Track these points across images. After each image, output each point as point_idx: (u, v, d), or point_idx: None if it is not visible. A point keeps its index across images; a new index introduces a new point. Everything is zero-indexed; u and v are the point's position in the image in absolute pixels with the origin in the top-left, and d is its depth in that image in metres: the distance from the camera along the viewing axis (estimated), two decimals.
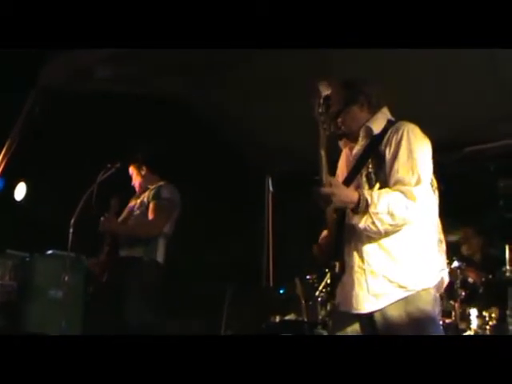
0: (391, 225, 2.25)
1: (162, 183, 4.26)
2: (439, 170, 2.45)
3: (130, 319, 3.86)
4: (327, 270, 4.12)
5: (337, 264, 2.38)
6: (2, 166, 4.23)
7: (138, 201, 4.23)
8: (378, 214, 2.21)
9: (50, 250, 5.46)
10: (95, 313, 4.07)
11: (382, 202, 2.21)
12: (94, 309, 4.03)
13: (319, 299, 4.38)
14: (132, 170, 4.39)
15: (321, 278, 4.40)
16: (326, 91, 2.25)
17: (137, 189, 4.38)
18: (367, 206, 2.21)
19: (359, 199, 2.21)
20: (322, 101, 2.24)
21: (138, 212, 4.17)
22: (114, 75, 4.19)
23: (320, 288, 4.38)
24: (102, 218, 4.10)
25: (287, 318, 4.66)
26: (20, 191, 5.61)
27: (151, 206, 4.11)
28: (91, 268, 4.18)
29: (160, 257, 4.12)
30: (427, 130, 2.42)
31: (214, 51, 3.10)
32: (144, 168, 4.34)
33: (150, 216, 4.09)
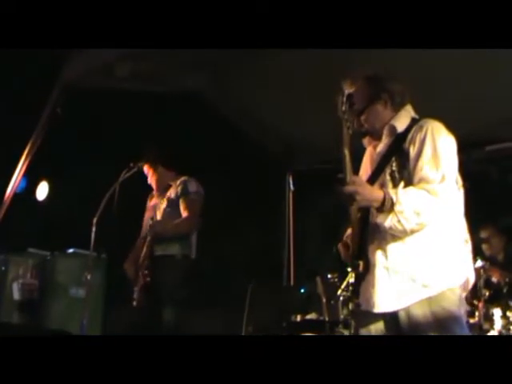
0: (417, 223, 2.22)
1: (185, 178, 4.26)
2: (460, 169, 2.42)
3: (168, 318, 3.89)
4: (350, 269, 4.13)
5: (360, 263, 2.37)
6: (24, 166, 4.25)
7: (165, 199, 4.23)
8: (403, 212, 2.19)
9: (71, 248, 5.52)
10: (130, 313, 4.06)
11: (408, 201, 2.19)
12: (129, 309, 4.02)
13: (341, 298, 4.34)
14: (147, 170, 4.37)
15: (342, 277, 4.35)
16: (349, 89, 2.24)
17: (154, 186, 4.37)
18: (392, 204, 2.19)
19: (384, 198, 2.19)
20: (345, 99, 2.23)
21: (168, 209, 4.17)
22: (134, 73, 4.19)
23: (342, 287, 4.35)
24: (150, 222, 4.10)
25: (308, 317, 4.64)
26: (42, 191, 5.68)
27: (183, 202, 4.12)
28: (127, 270, 4.15)
29: (193, 252, 4.14)
30: (449, 129, 2.39)
31: (224, 50, 3.09)
32: (159, 166, 4.33)
33: (185, 213, 4.10)
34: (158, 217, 4.18)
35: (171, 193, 4.22)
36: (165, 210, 4.18)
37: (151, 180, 4.38)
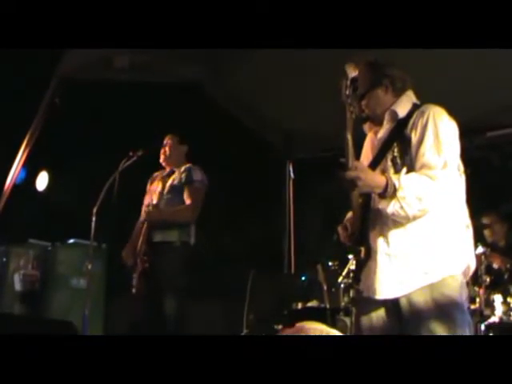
0: (419, 209, 2.21)
1: (189, 165, 4.25)
2: (462, 155, 2.41)
3: (169, 305, 3.89)
4: (350, 257, 4.14)
5: (362, 249, 2.36)
6: (23, 157, 4.25)
7: (167, 184, 4.20)
8: (405, 198, 2.18)
9: (71, 239, 5.52)
10: (131, 304, 4.06)
11: (410, 187, 2.18)
12: (130, 300, 4.03)
13: (341, 286, 4.36)
14: (169, 140, 4.32)
15: (343, 265, 4.39)
16: (353, 73, 2.21)
17: (162, 159, 4.32)
18: (395, 190, 2.17)
19: (387, 184, 2.18)
20: (349, 83, 2.21)
21: (169, 196, 4.15)
22: (133, 64, 4.18)
23: (343, 274, 4.37)
24: (145, 208, 4.07)
25: (309, 304, 4.65)
26: (42, 181, 5.68)
27: (187, 189, 4.11)
28: (125, 258, 4.14)
29: (192, 239, 4.13)
30: (450, 115, 2.38)
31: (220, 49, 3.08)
32: (182, 146, 4.32)
33: (188, 200, 4.09)
34: (156, 201, 4.15)
35: (174, 179, 4.20)
36: (166, 195, 4.16)
37: (163, 152, 4.32)
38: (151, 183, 4.39)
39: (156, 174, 4.41)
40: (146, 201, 4.28)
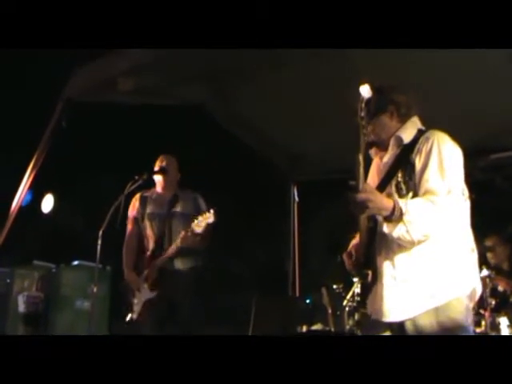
0: (423, 234, 2.23)
1: (194, 194, 4.30)
2: (466, 180, 2.42)
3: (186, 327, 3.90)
4: (355, 280, 4.14)
5: (369, 272, 2.37)
6: (29, 179, 4.27)
7: (175, 211, 4.20)
8: (411, 222, 2.18)
9: (76, 261, 5.52)
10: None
11: (416, 211, 2.19)
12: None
13: (346, 309, 4.35)
14: (170, 163, 4.33)
15: (348, 288, 4.38)
16: (367, 94, 2.21)
17: (161, 183, 4.30)
18: (401, 214, 2.18)
19: (394, 207, 2.18)
20: (363, 105, 2.21)
21: (177, 223, 4.17)
22: (137, 87, 4.21)
23: (347, 297, 4.36)
24: (183, 233, 4.04)
25: (314, 327, 4.64)
26: (47, 203, 5.70)
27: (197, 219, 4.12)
28: (131, 282, 4.16)
29: (200, 265, 4.18)
30: (454, 138, 2.40)
31: (224, 54, 3.11)
32: (178, 173, 4.35)
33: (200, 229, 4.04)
34: (192, 227, 4.12)
35: (183, 207, 4.22)
36: (175, 222, 4.19)
37: (165, 175, 4.31)
38: (143, 204, 4.34)
39: (146, 194, 4.37)
40: (149, 224, 4.26)
